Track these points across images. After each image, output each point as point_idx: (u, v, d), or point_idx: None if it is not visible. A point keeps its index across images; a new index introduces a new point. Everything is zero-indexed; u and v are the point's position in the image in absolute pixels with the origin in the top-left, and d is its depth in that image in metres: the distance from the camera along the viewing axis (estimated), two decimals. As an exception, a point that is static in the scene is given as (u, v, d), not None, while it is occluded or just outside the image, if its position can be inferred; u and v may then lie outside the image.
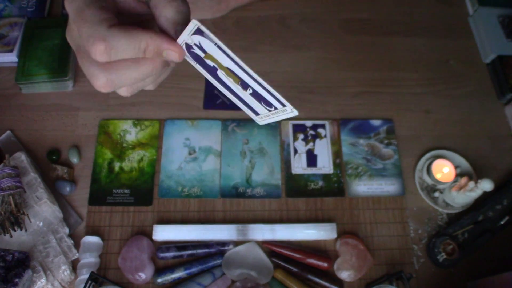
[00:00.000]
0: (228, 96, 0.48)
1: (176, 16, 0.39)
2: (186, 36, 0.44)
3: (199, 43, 0.45)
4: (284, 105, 0.47)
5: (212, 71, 0.49)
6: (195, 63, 0.47)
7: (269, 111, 0.49)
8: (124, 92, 0.40)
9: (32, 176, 0.64)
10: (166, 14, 0.38)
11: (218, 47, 0.44)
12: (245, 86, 0.48)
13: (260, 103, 0.49)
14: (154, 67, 0.38)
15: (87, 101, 0.75)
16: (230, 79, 0.48)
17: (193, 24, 0.42)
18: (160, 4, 0.38)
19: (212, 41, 0.43)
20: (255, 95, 0.49)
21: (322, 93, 0.78)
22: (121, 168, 0.70)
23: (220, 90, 0.47)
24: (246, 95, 0.49)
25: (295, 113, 0.46)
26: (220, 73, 0.48)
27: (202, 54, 0.46)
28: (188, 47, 0.45)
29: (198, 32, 0.43)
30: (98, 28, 0.34)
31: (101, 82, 0.36)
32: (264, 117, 0.49)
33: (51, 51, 0.76)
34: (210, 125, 0.73)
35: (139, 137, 0.72)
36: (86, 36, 0.34)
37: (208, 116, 0.75)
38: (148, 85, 0.42)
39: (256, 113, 0.50)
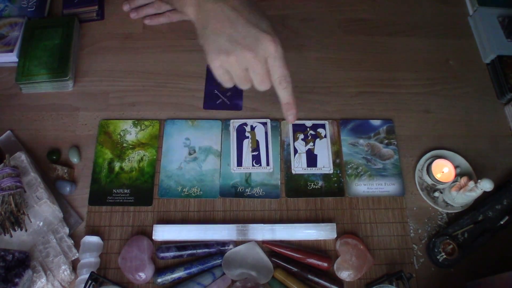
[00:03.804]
0: (232, 147, 0.70)
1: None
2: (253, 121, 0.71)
3: (254, 126, 0.72)
4: (268, 165, 0.69)
5: (242, 138, 0.71)
6: (234, 130, 0.71)
7: (253, 166, 0.69)
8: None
9: (32, 176, 0.64)
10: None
11: (266, 132, 0.69)
12: (254, 150, 0.70)
13: (252, 161, 0.69)
14: None
15: (87, 101, 0.75)
16: (250, 144, 0.70)
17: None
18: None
19: (265, 131, 0.69)
20: (255, 156, 0.69)
21: (322, 93, 0.78)
22: (121, 168, 0.70)
23: (231, 143, 0.70)
24: (248, 153, 0.69)
25: (271, 170, 0.69)
26: (246, 140, 0.70)
27: (249, 129, 0.71)
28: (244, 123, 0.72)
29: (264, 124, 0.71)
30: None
31: None
32: (242, 168, 0.69)
33: (51, 51, 0.75)
34: (210, 125, 0.73)
35: (139, 137, 0.72)
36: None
37: (208, 116, 0.74)
38: None
39: (239, 164, 0.69)
